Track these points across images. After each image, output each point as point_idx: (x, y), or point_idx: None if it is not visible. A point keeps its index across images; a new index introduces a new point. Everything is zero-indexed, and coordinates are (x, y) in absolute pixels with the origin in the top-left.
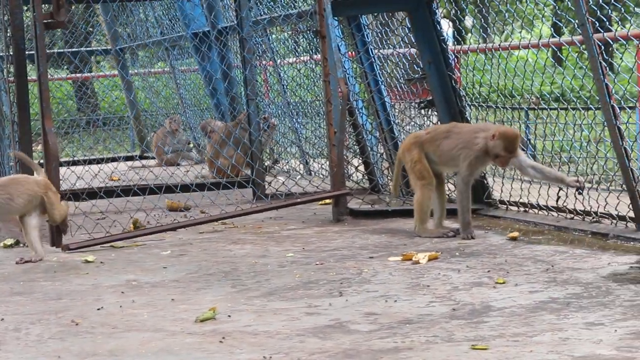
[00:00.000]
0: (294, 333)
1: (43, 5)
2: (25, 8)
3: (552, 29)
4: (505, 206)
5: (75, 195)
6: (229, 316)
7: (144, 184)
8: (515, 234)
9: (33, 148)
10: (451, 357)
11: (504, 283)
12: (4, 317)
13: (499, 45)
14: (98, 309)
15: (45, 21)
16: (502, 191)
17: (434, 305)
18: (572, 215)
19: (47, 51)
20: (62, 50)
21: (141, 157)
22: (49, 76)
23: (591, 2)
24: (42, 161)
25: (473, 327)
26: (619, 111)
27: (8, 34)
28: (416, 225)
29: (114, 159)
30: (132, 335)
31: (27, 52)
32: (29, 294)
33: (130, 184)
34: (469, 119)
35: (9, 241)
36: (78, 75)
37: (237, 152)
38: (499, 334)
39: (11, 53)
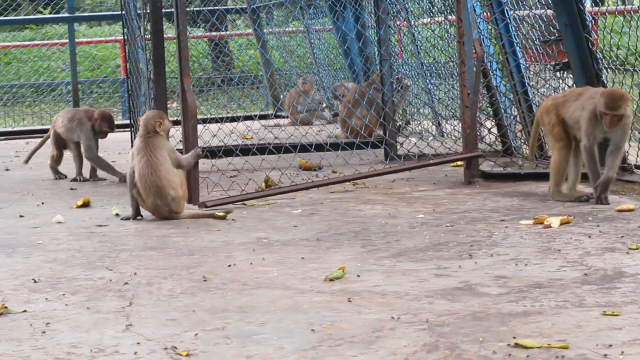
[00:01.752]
0: (422, 294)
1: None
2: None
3: None
4: None
5: (211, 152)
6: (358, 276)
7: (277, 143)
8: (632, 205)
9: (168, 105)
10: (582, 322)
11: (637, 249)
12: (137, 271)
13: (639, 7)
14: (229, 266)
15: None
16: (637, 155)
17: (565, 269)
18: None
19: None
20: (199, 9)
21: (275, 116)
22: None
23: None
24: (178, 118)
25: (605, 293)
26: None
27: None
28: (550, 188)
29: (248, 117)
30: (262, 292)
31: (164, 10)
32: (161, 249)
33: (264, 142)
34: (605, 82)
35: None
36: (214, 33)
37: (370, 113)
38: (631, 300)
39: (148, 10)
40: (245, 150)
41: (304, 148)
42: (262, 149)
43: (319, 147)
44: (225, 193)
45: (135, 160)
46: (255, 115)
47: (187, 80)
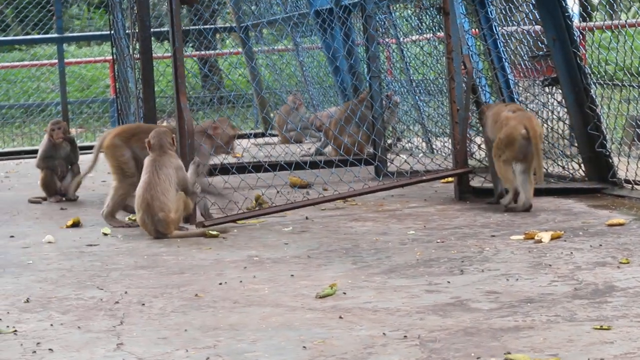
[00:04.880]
0: (414, 310)
1: None
2: None
3: None
4: (631, 185)
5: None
6: (349, 293)
7: (266, 161)
8: (622, 220)
9: (157, 124)
10: (573, 336)
11: (628, 263)
12: (127, 290)
13: (626, 22)
14: (220, 284)
15: None
16: (627, 170)
17: (556, 284)
18: None
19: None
20: (187, 28)
21: (264, 135)
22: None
23: None
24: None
25: (596, 307)
26: None
27: (134, 11)
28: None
29: (239, 137)
30: (253, 310)
31: (152, 29)
32: (152, 268)
33: (253, 160)
34: (594, 97)
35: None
36: (203, 52)
37: (361, 130)
38: (622, 314)
39: (137, 30)
40: (241, 169)
41: (291, 166)
42: (257, 167)
43: (311, 165)
44: (222, 212)
45: (142, 176)
46: (246, 134)
47: (184, 98)
